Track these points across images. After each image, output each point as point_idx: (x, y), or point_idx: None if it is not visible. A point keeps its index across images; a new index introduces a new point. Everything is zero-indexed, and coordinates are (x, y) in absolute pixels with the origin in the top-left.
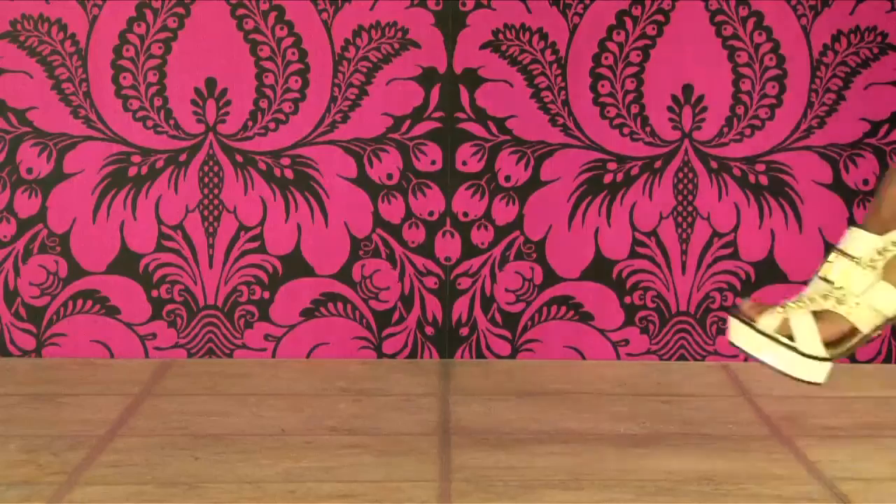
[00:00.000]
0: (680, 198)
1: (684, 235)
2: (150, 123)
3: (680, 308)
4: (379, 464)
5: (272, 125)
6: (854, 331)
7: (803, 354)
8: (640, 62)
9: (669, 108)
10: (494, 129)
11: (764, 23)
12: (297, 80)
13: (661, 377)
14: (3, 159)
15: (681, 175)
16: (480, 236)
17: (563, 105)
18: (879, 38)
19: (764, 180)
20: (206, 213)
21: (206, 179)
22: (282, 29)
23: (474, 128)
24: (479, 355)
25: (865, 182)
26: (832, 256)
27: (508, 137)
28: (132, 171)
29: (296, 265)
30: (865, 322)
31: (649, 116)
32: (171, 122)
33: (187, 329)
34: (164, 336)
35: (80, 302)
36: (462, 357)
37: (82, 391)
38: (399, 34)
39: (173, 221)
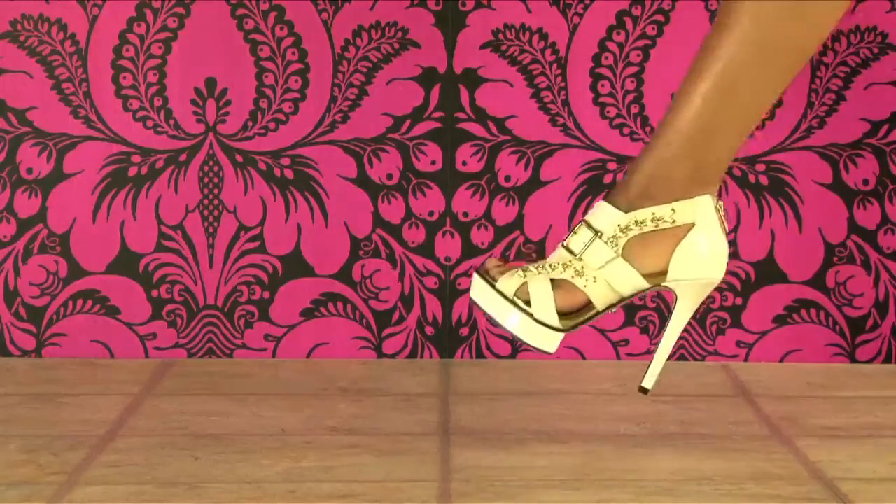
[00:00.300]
0: None
1: None
2: (150, 123)
3: None
4: (379, 464)
5: (272, 125)
6: (590, 305)
7: (537, 321)
8: (640, 62)
9: None
10: (494, 129)
11: None
12: (297, 80)
13: (662, 377)
14: (3, 159)
15: None
16: (480, 236)
17: (563, 105)
18: (879, 38)
19: (764, 180)
20: (206, 213)
21: (206, 179)
22: (282, 29)
23: (474, 128)
24: (479, 355)
25: (865, 182)
26: (578, 227)
27: (508, 137)
28: (132, 171)
29: (296, 265)
30: (600, 298)
31: (649, 116)
32: (171, 122)
33: (187, 329)
34: (164, 336)
35: (80, 302)
36: (462, 357)
37: (82, 391)
38: (399, 34)
39: (173, 221)
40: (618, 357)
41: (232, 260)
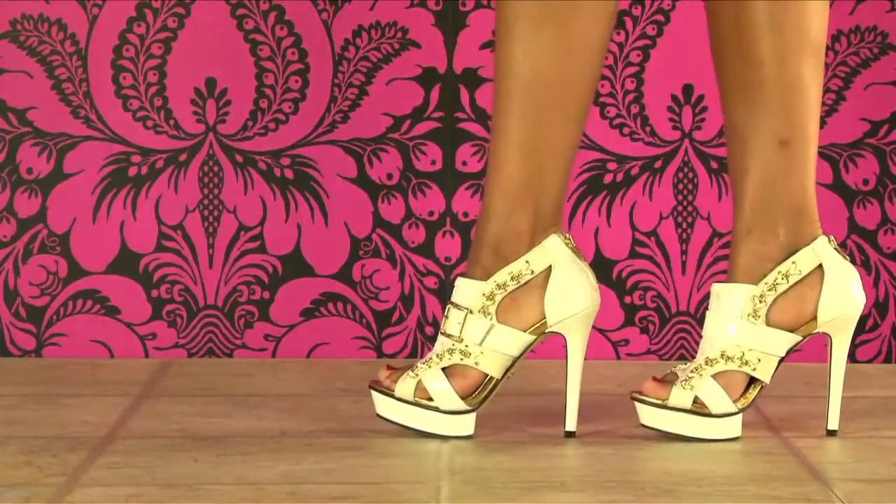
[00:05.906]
0: (680, 198)
1: (684, 235)
2: (150, 123)
3: (680, 308)
4: (378, 465)
5: (272, 125)
6: (488, 378)
7: (446, 412)
8: (640, 62)
9: (669, 108)
10: None
11: None
12: (297, 80)
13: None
14: (3, 159)
15: (681, 175)
16: None
17: None
18: (879, 38)
19: None
20: (206, 213)
21: (206, 179)
22: (282, 29)
23: (474, 128)
24: None
25: (865, 182)
26: (448, 310)
27: None
28: (132, 171)
29: (296, 265)
30: (494, 367)
31: (649, 116)
32: (171, 122)
33: (187, 329)
34: (164, 336)
35: (80, 302)
36: None
37: (82, 391)
38: (399, 34)
39: (173, 221)
40: (618, 357)
41: (232, 260)
